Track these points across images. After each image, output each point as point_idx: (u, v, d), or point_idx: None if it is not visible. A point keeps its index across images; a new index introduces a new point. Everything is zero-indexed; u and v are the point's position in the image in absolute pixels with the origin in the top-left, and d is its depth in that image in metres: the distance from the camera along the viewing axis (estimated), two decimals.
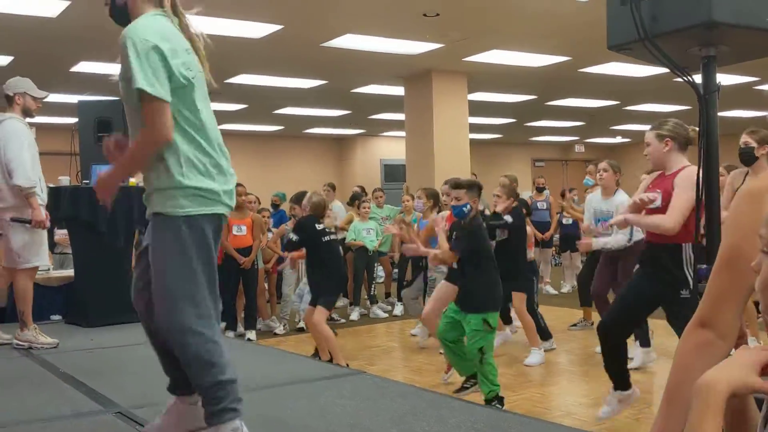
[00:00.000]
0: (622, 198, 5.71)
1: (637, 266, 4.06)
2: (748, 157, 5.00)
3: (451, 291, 4.97)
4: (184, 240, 2.43)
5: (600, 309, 6.17)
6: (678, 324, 3.74)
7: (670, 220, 3.59)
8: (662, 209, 3.76)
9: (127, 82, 2.39)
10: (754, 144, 4.87)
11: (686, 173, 3.76)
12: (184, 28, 2.57)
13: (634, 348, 5.64)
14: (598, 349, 5.16)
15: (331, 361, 5.15)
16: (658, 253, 3.78)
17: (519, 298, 5.85)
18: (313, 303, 5.39)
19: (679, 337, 3.83)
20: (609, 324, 3.94)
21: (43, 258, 4.96)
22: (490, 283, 4.45)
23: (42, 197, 4.81)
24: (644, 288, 3.84)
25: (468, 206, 4.43)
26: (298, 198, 6.73)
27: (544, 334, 6.24)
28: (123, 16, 2.54)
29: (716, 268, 1.35)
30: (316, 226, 5.41)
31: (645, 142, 3.90)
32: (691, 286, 3.64)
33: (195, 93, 2.49)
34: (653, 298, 3.84)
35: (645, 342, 5.73)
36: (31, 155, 4.71)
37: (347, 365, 5.13)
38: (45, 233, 4.92)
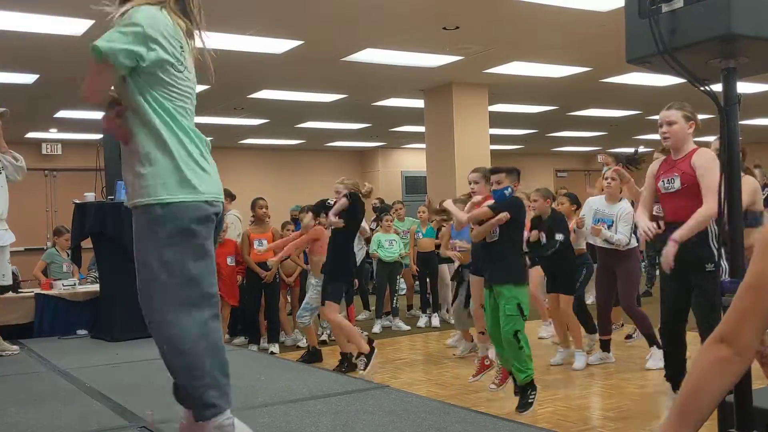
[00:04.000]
0: (624, 205, 5.87)
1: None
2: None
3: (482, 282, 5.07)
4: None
5: (602, 318, 6.10)
6: (700, 302, 3.77)
7: (713, 205, 3.49)
8: (681, 191, 3.77)
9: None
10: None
11: (705, 153, 3.85)
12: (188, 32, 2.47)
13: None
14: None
15: (358, 355, 5.63)
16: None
17: (565, 301, 5.88)
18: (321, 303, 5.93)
19: (698, 322, 3.85)
20: (669, 327, 4.07)
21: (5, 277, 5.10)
22: (517, 257, 4.63)
23: None
24: (674, 278, 3.90)
25: (509, 189, 4.59)
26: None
27: (590, 328, 6.16)
28: None
29: (742, 289, 1.35)
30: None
31: (666, 122, 3.89)
32: (716, 260, 3.66)
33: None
34: (685, 280, 3.90)
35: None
36: None
37: (370, 340, 5.68)
38: (7, 252, 5.10)
